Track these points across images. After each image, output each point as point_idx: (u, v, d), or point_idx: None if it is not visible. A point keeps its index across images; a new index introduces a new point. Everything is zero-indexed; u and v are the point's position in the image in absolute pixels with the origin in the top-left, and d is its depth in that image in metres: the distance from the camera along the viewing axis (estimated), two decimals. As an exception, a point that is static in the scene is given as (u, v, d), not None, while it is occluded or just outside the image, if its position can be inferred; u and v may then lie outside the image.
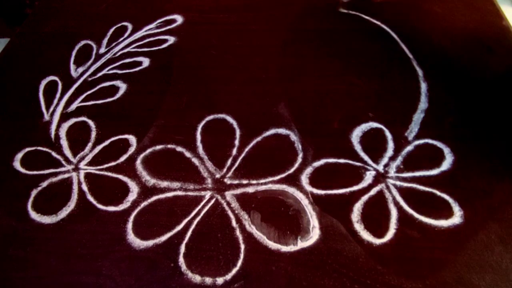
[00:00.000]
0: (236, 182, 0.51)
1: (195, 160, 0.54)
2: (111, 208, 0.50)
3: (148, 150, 0.56)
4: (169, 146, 0.56)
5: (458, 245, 0.45)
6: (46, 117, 0.61)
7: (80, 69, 0.68)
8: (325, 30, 0.70)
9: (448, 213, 0.47)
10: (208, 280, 0.44)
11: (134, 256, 0.46)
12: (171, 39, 0.71)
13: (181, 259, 0.46)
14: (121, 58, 0.69)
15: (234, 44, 0.69)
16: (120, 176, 0.53)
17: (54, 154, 0.56)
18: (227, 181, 0.52)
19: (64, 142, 0.58)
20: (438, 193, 0.49)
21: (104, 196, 0.52)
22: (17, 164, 0.56)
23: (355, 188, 0.50)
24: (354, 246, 0.45)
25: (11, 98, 0.65)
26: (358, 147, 0.54)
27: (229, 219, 0.48)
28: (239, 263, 0.45)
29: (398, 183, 0.50)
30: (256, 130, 0.56)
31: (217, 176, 0.52)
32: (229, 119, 0.58)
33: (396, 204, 0.48)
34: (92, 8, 0.79)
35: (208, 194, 0.51)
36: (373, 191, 0.49)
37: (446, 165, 0.51)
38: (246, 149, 0.55)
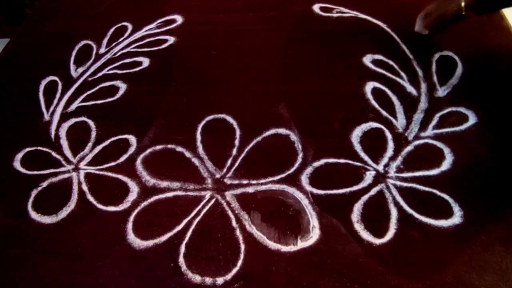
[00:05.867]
0: (236, 182, 0.51)
1: (195, 160, 0.54)
2: (111, 208, 0.50)
3: (148, 150, 0.56)
4: (169, 146, 0.56)
5: (458, 245, 0.45)
6: (46, 117, 0.61)
7: (80, 69, 0.67)
8: (325, 30, 0.70)
9: (448, 213, 0.47)
10: (208, 280, 0.44)
11: (134, 256, 0.46)
12: (171, 39, 0.71)
13: (181, 259, 0.46)
14: (121, 58, 0.69)
15: (234, 45, 0.69)
16: (120, 176, 0.53)
17: (54, 154, 0.56)
18: (227, 181, 0.52)
19: (64, 142, 0.58)
20: (438, 193, 0.48)
21: (104, 196, 0.51)
22: (17, 164, 0.56)
23: (355, 188, 0.50)
24: (354, 246, 0.45)
25: (11, 98, 0.65)
26: (358, 147, 0.54)
27: (229, 219, 0.48)
28: (239, 263, 0.45)
29: (398, 183, 0.50)
30: (256, 130, 0.56)
31: (217, 176, 0.52)
32: (229, 119, 0.58)
33: (396, 204, 0.48)
34: (92, 8, 0.79)
35: (208, 194, 0.51)
36: (373, 191, 0.49)
37: (446, 165, 0.51)
38: (246, 149, 0.55)
